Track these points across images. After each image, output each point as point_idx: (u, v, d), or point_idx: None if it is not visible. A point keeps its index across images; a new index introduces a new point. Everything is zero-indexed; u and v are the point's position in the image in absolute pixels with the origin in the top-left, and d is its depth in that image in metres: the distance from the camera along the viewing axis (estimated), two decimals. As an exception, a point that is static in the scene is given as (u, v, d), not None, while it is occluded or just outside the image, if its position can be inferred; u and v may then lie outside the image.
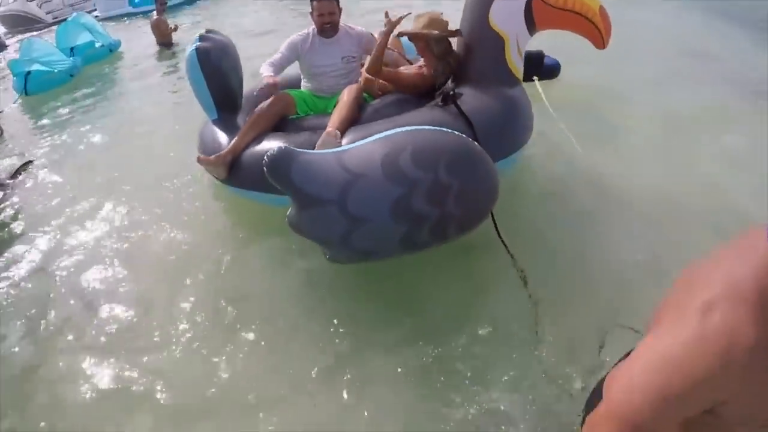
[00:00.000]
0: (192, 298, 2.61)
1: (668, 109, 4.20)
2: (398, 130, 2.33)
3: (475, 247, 2.64)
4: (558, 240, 2.75)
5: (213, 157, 2.78)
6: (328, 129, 2.57)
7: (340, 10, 3.15)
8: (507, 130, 2.72)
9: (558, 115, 3.58)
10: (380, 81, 2.99)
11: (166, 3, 8.54)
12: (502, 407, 1.92)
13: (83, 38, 7.67)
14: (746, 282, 0.65)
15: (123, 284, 2.81)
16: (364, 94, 2.97)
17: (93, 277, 2.89)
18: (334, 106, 2.84)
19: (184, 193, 3.54)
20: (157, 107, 5.69)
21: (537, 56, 4.07)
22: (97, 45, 7.87)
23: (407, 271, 2.59)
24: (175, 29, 8.36)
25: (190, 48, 2.98)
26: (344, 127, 2.63)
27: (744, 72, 5.12)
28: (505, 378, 2.01)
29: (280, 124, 2.93)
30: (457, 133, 2.35)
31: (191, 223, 3.23)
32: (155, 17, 8.18)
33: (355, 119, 2.74)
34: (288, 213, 2.30)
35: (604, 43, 2.81)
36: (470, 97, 2.70)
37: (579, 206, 3.01)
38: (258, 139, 2.78)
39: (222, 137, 2.94)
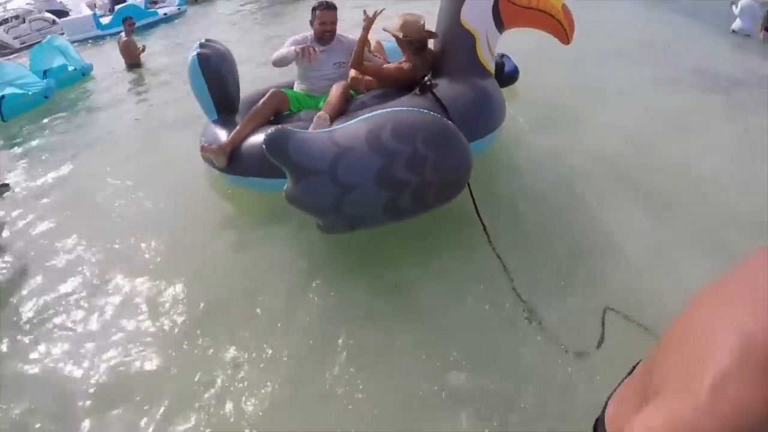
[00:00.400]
0: (184, 290, 3.00)
1: (631, 97, 5.11)
2: (380, 111, 2.77)
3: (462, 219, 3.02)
4: (542, 222, 3.21)
5: (215, 146, 3.20)
6: (319, 113, 2.99)
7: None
8: (479, 115, 3.21)
9: (529, 110, 4.07)
10: (365, 78, 3.42)
11: (135, 24, 9.01)
12: (492, 382, 2.23)
13: (57, 61, 8.12)
14: (763, 346, 0.61)
15: (106, 288, 3.16)
16: (351, 91, 3.39)
17: (78, 288, 3.21)
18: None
19: (163, 202, 3.96)
20: (130, 128, 6.16)
21: (496, 65, 4.55)
22: (70, 69, 8.31)
23: (398, 247, 3.02)
24: (143, 50, 8.82)
25: (191, 54, 3.51)
26: (334, 115, 3.04)
27: (698, 60, 6.42)
28: (496, 352, 2.36)
29: (274, 119, 3.34)
30: (432, 113, 2.77)
31: (169, 221, 3.68)
32: (124, 39, 8.67)
33: (342, 110, 3.19)
34: (285, 188, 2.71)
35: (568, 38, 3.30)
36: (445, 87, 3.18)
37: (559, 189, 3.52)
38: (255, 131, 3.16)
39: (222, 135, 3.43)
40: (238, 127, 3.30)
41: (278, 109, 3.43)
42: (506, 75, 4.75)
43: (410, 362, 2.36)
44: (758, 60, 6.85)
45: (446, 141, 2.69)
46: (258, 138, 3.16)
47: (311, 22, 3.66)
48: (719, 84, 5.50)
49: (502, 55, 4.85)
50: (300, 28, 3.87)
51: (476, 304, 2.61)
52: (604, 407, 1.01)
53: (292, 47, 3.45)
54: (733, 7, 8.81)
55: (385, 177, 2.57)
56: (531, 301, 2.59)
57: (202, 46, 3.54)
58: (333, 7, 3.64)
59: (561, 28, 3.26)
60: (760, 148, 3.94)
